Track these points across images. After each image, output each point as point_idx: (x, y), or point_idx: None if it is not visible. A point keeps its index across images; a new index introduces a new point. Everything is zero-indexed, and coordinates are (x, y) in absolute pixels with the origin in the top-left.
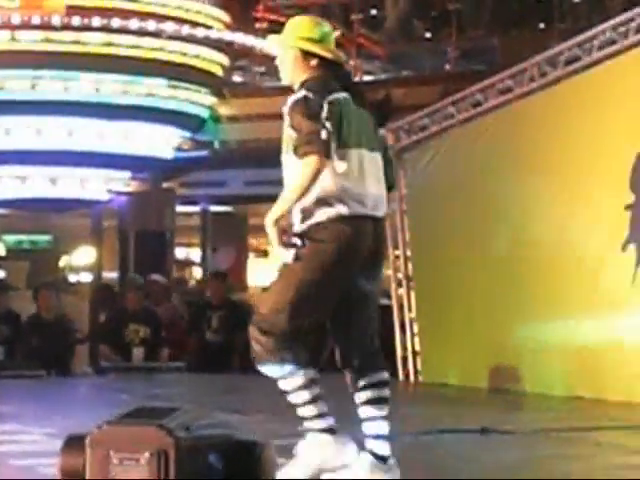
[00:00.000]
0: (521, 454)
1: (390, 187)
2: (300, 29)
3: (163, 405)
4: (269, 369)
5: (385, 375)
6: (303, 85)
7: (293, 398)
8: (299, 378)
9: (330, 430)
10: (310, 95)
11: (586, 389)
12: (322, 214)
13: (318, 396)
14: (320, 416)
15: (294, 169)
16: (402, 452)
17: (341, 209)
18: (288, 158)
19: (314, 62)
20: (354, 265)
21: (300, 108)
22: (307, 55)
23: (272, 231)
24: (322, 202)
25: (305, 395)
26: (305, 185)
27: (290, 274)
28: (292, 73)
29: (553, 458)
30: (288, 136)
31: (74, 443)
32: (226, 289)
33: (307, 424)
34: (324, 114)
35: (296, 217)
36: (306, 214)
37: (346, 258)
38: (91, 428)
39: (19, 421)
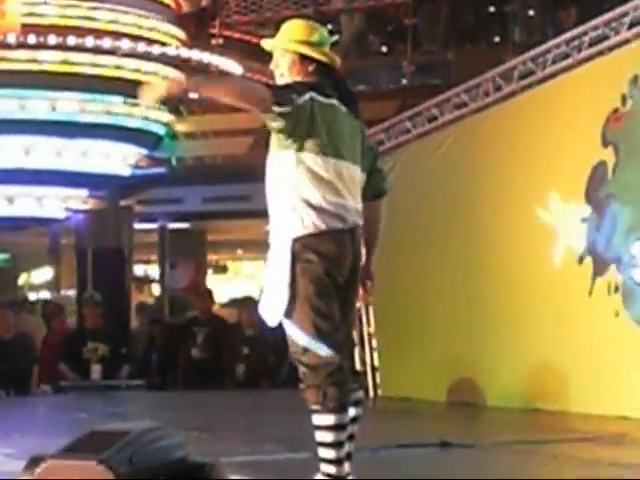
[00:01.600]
0: (480, 467)
1: (380, 195)
2: (297, 33)
3: (117, 428)
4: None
5: (362, 394)
6: None
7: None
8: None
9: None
10: (298, 85)
11: (544, 402)
12: (303, 228)
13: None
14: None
15: (276, 167)
16: (361, 468)
17: (322, 224)
18: (271, 158)
19: (312, 67)
20: (340, 278)
21: (283, 86)
22: (304, 59)
23: (171, 85)
24: (304, 213)
25: (331, 437)
26: (240, 90)
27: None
28: (288, 78)
29: (511, 470)
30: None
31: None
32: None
33: (323, 467)
34: (301, 99)
35: (278, 227)
36: (288, 225)
37: (333, 273)
38: (45, 455)
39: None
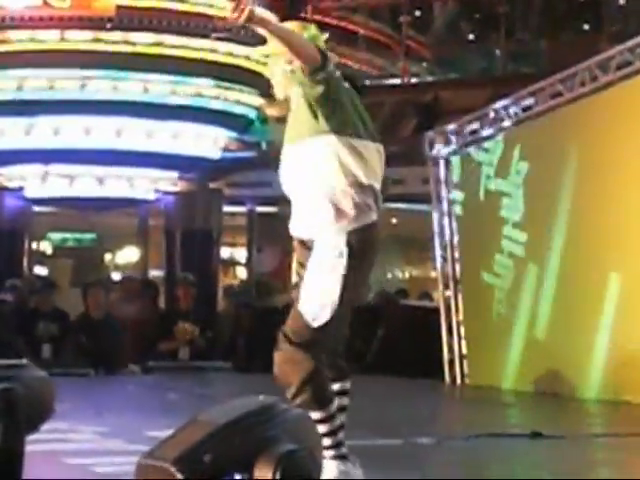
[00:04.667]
0: (572, 460)
1: None
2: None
3: (212, 418)
4: None
5: (349, 385)
6: None
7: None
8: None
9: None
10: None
11: (634, 394)
12: (356, 216)
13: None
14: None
15: (314, 154)
16: (452, 455)
17: (354, 222)
18: (304, 145)
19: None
20: (370, 269)
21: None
22: None
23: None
24: (335, 208)
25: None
26: (299, 39)
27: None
28: (287, 86)
29: (601, 463)
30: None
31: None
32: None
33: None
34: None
35: (325, 215)
36: (338, 212)
37: (363, 268)
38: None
39: (70, 419)
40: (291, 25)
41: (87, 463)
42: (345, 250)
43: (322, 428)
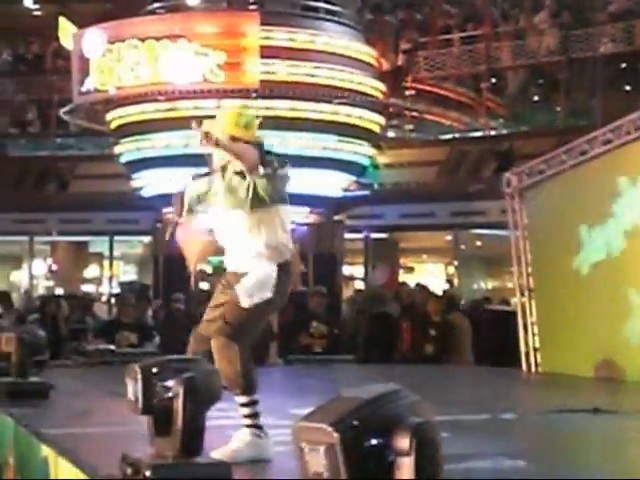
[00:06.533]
0: (622, 429)
1: None
2: (230, 120)
3: (357, 394)
4: None
5: None
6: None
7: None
8: None
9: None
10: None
11: None
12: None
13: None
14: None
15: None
16: (531, 427)
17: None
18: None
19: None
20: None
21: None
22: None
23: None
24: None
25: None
26: (245, 156)
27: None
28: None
29: None
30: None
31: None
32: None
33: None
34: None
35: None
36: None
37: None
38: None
39: (230, 401)
40: (234, 107)
41: None
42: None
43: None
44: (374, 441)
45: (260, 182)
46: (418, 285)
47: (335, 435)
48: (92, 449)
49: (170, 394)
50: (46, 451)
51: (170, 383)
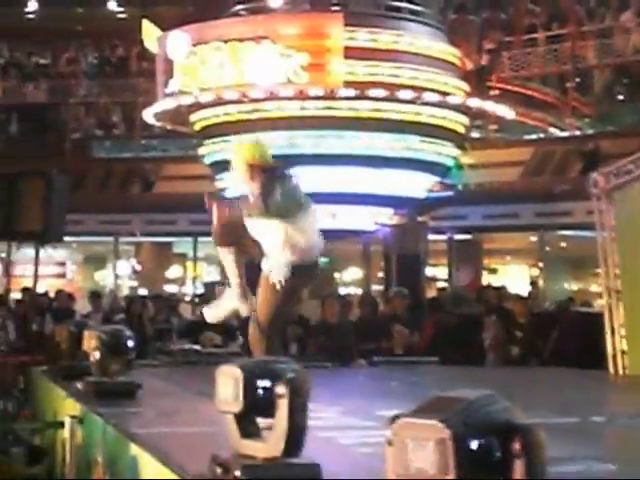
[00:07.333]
0: None
1: None
2: (246, 151)
3: (456, 395)
4: None
5: None
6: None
7: None
8: None
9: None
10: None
11: None
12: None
13: None
14: None
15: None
16: (620, 431)
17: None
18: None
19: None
20: None
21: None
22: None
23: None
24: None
25: None
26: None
27: None
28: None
29: None
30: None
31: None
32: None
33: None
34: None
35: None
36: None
37: None
38: (401, 414)
39: (315, 402)
40: (246, 147)
41: (333, 436)
42: None
43: None
44: (483, 440)
45: (272, 213)
46: (501, 287)
47: (447, 431)
48: (180, 449)
49: (274, 395)
50: (135, 450)
51: (268, 383)
